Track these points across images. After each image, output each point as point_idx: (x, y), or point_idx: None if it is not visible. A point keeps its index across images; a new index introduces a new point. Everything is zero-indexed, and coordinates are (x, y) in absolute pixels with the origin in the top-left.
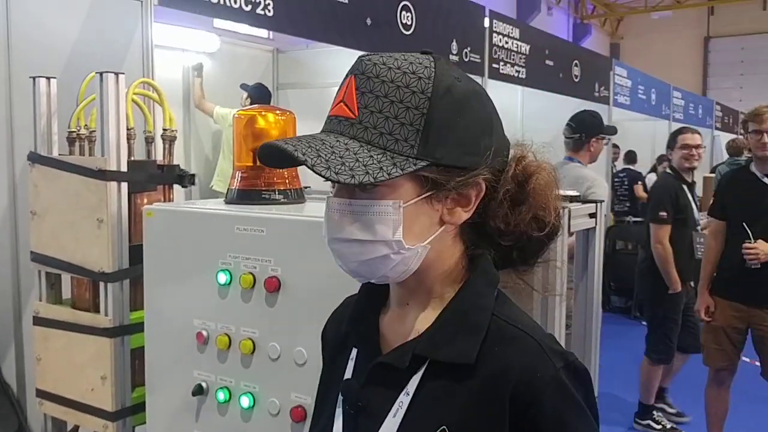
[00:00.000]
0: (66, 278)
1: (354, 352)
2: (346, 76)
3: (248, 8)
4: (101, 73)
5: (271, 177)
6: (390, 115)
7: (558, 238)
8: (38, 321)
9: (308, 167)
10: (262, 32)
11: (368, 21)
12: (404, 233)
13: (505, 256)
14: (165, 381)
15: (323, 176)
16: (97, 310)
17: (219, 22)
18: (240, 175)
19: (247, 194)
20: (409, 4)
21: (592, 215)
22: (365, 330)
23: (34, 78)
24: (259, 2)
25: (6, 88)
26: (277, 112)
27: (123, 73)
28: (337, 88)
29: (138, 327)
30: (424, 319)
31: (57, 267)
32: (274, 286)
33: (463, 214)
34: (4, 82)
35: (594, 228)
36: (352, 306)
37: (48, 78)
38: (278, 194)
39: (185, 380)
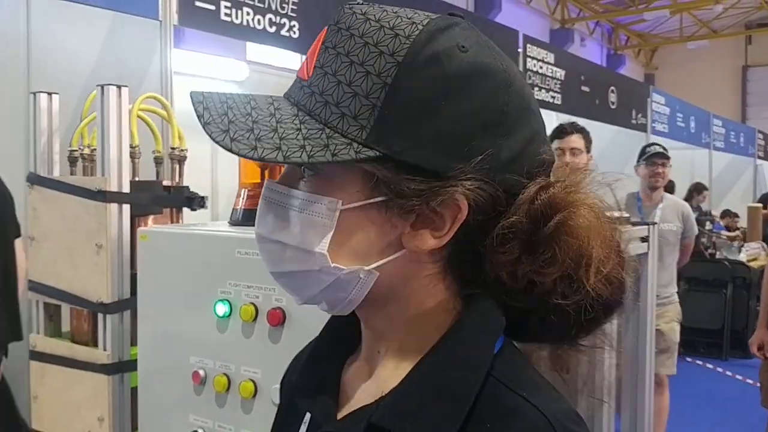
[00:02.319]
0: (66, 309)
1: (308, 415)
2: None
3: (272, 30)
4: (102, 86)
5: None
6: (344, 80)
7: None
8: (35, 356)
9: (201, 124)
10: (294, 63)
11: None
12: (336, 247)
13: (519, 321)
14: (159, 426)
15: (214, 140)
16: (96, 345)
17: (252, 54)
18: (246, 193)
19: (252, 214)
20: None
21: (644, 239)
22: (319, 385)
23: (34, 93)
24: (284, 24)
25: (24, 108)
26: None
27: (126, 86)
28: None
29: (136, 363)
30: (394, 375)
31: (55, 297)
32: (277, 319)
33: (431, 241)
34: (22, 102)
35: (646, 254)
36: (309, 349)
37: (49, 93)
38: None
39: (181, 426)
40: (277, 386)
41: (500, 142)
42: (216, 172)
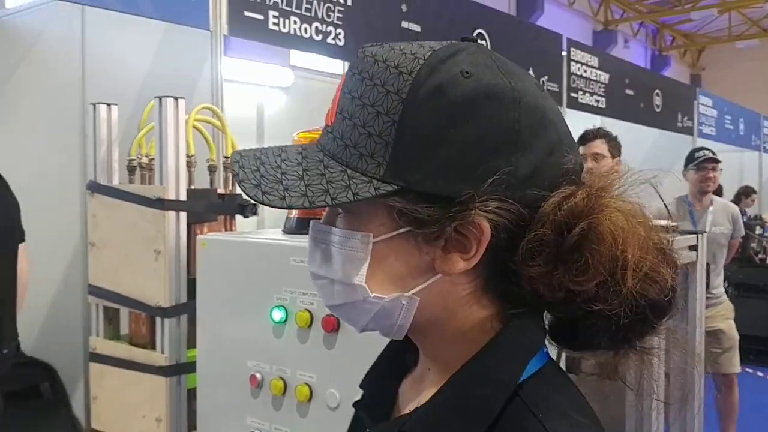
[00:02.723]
0: (124, 313)
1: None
2: None
3: (319, 38)
4: (160, 98)
5: None
6: (359, 122)
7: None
8: (95, 357)
9: (237, 182)
10: (337, 68)
11: None
12: (373, 277)
13: (563, 329)
14: (217, 427)
15: (248, 195)
16: (153, 347)
17: (295, 59)
18: None
19: (305, 223)
20: (484, 32)
21: (693, 248)
22: (377, 400)
23: (94, 105)
24: (330, 32)
25: (80, 118)
26: None
27: (183, 98)
28: None
29: (195, 366)
30: (434, 390)
31: (114, 301)
32: (332, 325)
33: (461, 263)
34: (78, 112)
35: (695, 263)
36: (370, 368)
37: (108, 104)
38: None
39: (238, 428)
40: (333, 390)
41: (516, 160)
42: None
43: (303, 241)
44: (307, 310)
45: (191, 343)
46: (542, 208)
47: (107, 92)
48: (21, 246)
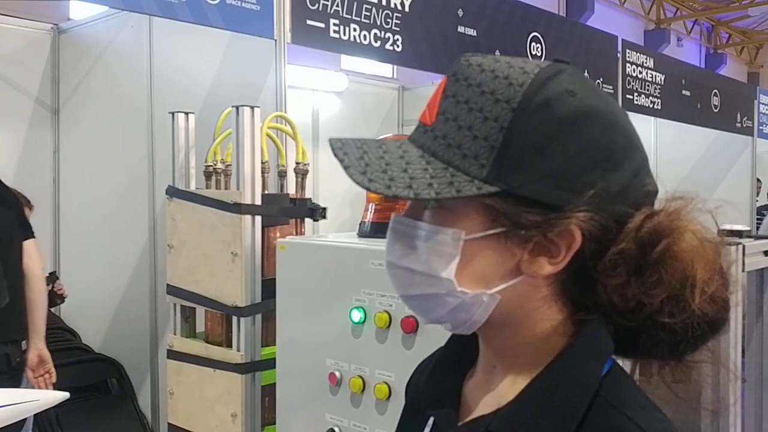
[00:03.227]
0: (200, 312)
1: (431, 419)
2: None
3: (377, 44)
4: (237, 107)
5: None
6: (464, 124)
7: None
8: (172, 354)
9: (342, 168)
10: (387, 71)
11: (497, 53)
12: (461, 273)
13: (628, 339)
14: (297, 422)
15: (355, 181)
16: (229, 345)
17: (346, 63)
18: (373, 207)
19: (380, 227)
20: (538, 35)
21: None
22: (443, 394)
23: (173, 113)
24: (388, 38)
25: (148, 125)
26: None
27: (258, 107)
28: None
29: (269, 363)
30: (511, 390)
31: (191, 300)
32: (411, 326)
33: (548, 267)
34: (146, 119)
35: None
36: (433, 361)
37: (186, 113)
38: None
39: (317, 423)
40: None
41: (609, 177)
42: (317, 181)
43: (380, 244)
44: (386, 312)
45: (265, 341)
46: (627, 224)
47: (173, 100)
48: (28, 242)
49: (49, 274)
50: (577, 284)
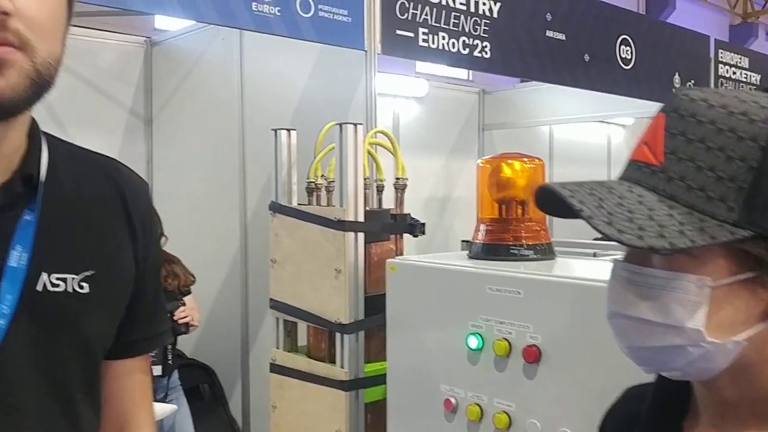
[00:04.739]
0: (302, 325)
1: None
2: (657, 113)
3: (466, 52)
4: (341, 125)
5: (519, 230)
6: (704, 164)
7: None
8: (275, 368)
9: (584, 219)
10: (462, 74)
11: (586, 57)
12: (707, 322)
13: None
14: None
15: (602, 233)
16: (332, 361)
17: (420, 67)
18: (485, 228)
19: (493, 249)
20: (628, 38)
21: None
22: None
23: (275, 130)
24: (476, 45)
25: (239, 136)
26: (525, 159)
27: (361, 124)
28: (544, 127)
29: (372, 380)
30: None
31: (294, 315)
32: (533, 355)
33: None
34: (237, 130)
35: None
36: (645, 409)
37: (288, 130)
38: (527, 249)
39: None
40: (534, 420)
41: None
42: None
43: (496, 268)
44: (506, 339)
45: (368, 358)
46: None
47: (264, 111)
48: None
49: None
50: None
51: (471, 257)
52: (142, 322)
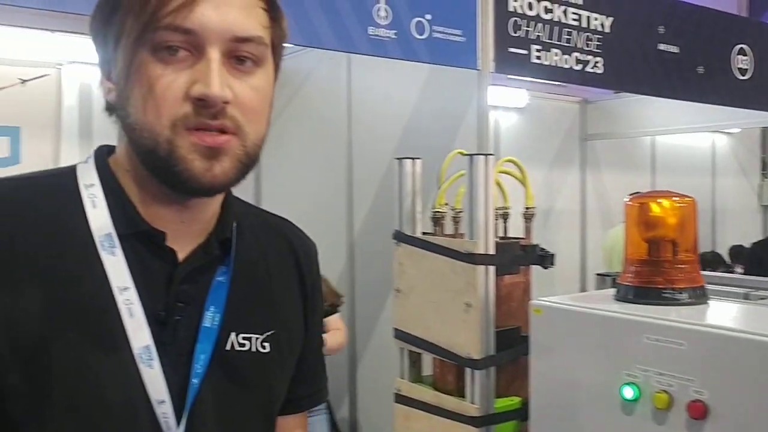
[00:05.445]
0: (426, 356)
1: None
2: None
3: (578, 68)
4: (471, 156)
5: (671, 273)
6: None
7: None
8: (400, 399)
9: None
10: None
11: (700, 69)
12: None
13: None
14: None
15: None
16: (460, 395)
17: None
18: (634, 269)
19: (644, 292)
20: (745, 47)
21: None
22: None
23: (399, 159)
24: (588, 61)
25: (346, 156)
26: (674, 198)
27: (492, 155)
28: (647, 138)
29: (503, 416)
30: None
31: (420, 347)
32: (699, 411)
33: None
34: (344, 151)
35: None
36: None
37: (413, 158)
38: (680, 293)
39: None
40: None
41: None
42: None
43: (653, 315)
44: (666, 392)
45: (498, 393)
46: None
47: (372, 131)
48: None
49: None
50: None
51: (619, 299)
52: (307, 379)
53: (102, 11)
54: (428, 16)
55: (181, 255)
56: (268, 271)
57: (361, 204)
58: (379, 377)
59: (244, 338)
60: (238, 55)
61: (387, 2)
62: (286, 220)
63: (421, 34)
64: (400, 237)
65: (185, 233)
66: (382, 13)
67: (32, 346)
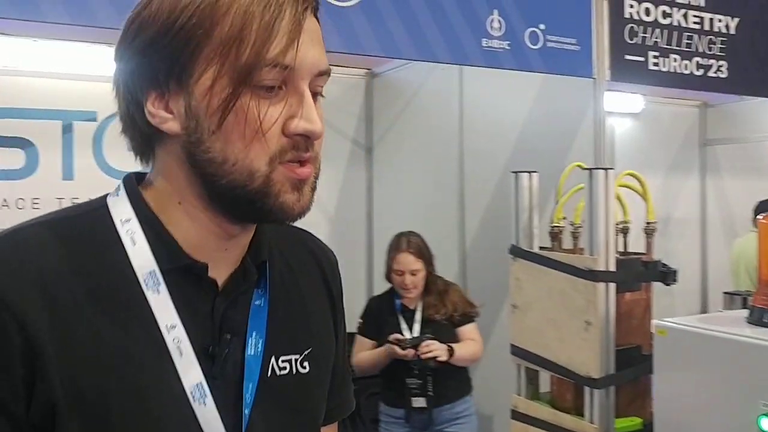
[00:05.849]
0: (543, 374)
1: None
2: None
3: (699, 73)
4: (591, 170)
5: None
6: None
7: None
8: (516, 416)
9: None
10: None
11: None
12: None
13: None
14: None
15: None
16: (578, 413)
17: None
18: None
19: None
20: None
21: None
22: None
23: (516, 173)
24: (711, 65)
25: (458, 168)
26: None
27: (612, 169)
28: None
29: None
30: None
31: (538, 364)
32: None
33: None
34: (456, 162)
35: None
36: None
37: (529, 172)
38: None
39: None
40: None
41: None
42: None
43: None
44: None
45: (617, 413)
46: None
47: (483, 143)
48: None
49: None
50: None
51: (752, 323)
52: (337, 390)
53: (167, 40)
54: (542, 26)
55: (220, 282)
56: (299, 288)
57: (473, 216)
58: (493, 392)
59: (284, 361)
60: (315, 88)
61: (500, 14)
62: (303, 229)
63: (535, 44)
64: (517, 252)
65: (224, 260)
66: (496, 25)
67: (90, 397)
